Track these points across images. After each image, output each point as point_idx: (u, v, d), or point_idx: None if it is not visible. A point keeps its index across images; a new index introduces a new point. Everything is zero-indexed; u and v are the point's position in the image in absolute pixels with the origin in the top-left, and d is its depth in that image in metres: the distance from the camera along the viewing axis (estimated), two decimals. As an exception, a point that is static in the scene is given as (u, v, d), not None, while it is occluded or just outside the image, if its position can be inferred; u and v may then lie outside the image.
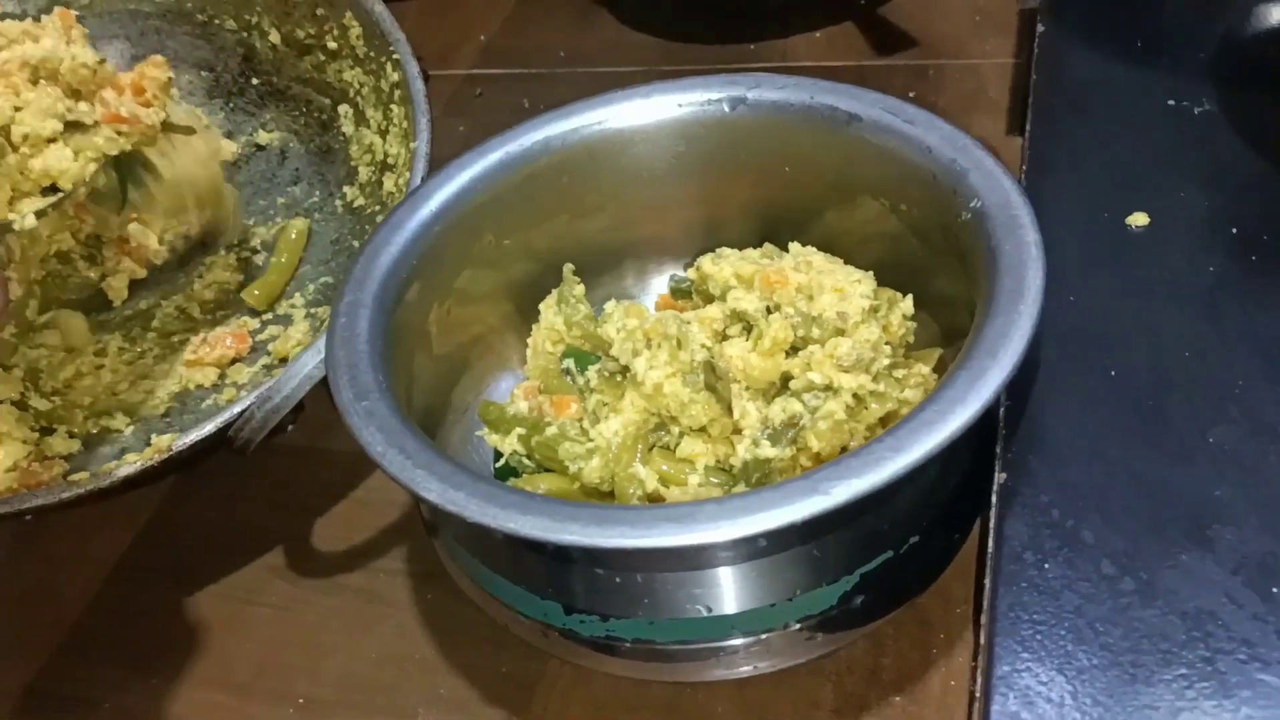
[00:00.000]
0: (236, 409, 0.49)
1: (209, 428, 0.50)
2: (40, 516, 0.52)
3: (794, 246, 0.50)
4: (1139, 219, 0.49)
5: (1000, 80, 0.72)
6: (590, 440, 0.47)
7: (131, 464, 0.50)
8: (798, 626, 0.43)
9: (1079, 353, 0.45)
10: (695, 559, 0.41)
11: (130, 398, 0.61)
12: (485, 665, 0.50)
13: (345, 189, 0.68)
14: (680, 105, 0.51)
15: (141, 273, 0.67)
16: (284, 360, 0.60)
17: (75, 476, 0.50)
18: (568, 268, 0.53)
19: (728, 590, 0.42)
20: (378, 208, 0.65)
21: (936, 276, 0.48)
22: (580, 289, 0.52)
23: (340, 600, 0.54)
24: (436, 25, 0.91)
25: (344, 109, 0.68)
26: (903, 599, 0.45)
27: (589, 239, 0.53)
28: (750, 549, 0.41)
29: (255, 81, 0.72)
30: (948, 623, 0.48)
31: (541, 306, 0.53)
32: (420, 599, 0.53)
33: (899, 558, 0.43)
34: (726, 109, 0.50)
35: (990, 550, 0.40)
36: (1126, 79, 0.56)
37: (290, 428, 0.49)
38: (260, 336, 0.63)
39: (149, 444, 0.51)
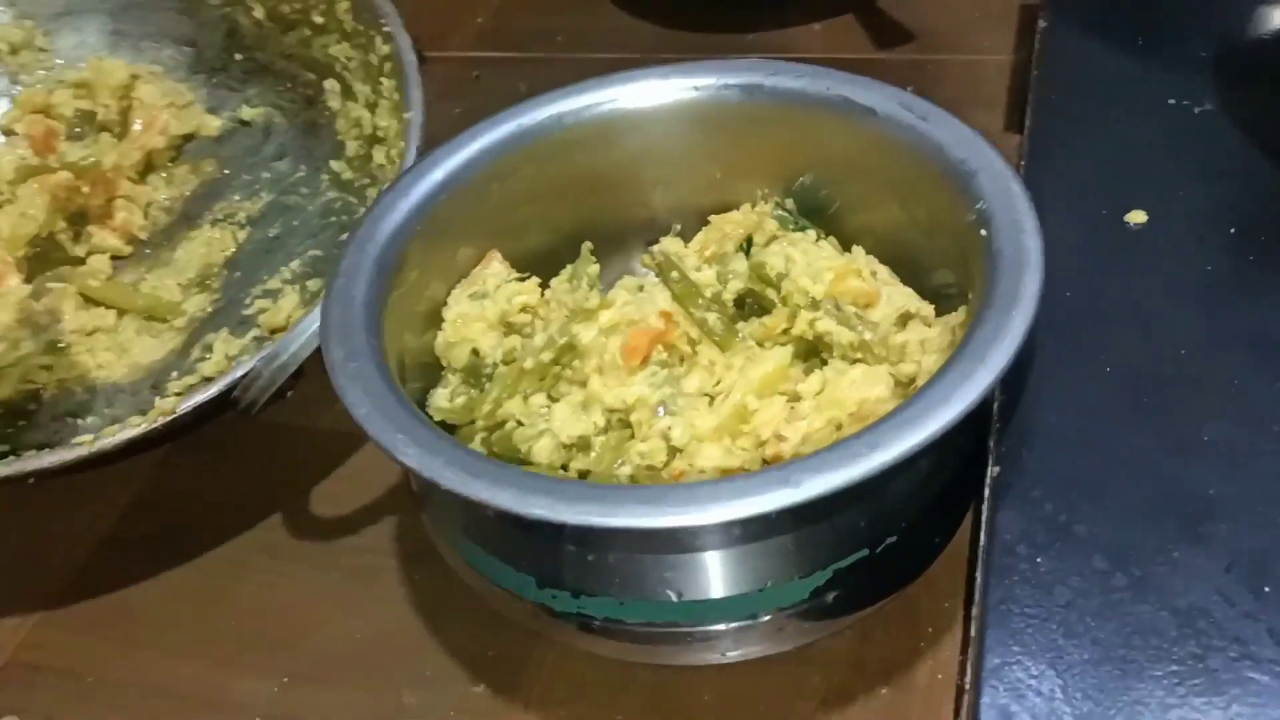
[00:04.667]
0: (240, 370, 0.49)
1: (214, 389, 0.49)
2: (32, 483, 0.51)
3: (858, 251, 0.49)
4: (1137, 216, 0.49)
5: (999, 76, 0.72)
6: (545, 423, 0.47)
7: (135, 426, 0.49)
8: (768, 618, 0.43)
9: (1075, 347, 0.44)
10: (666, 542, 0.41)
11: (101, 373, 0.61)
12: (471, 646, 0.50)
13: (332, 163, 0.67)
14: (696, 88, 0.50)
15: (126, 250, 0.67)
16: (274, 332, 0.60)
17: (78, 439, 0.50)
18: (586, 246, 0.52)
19: (699, 576, 0.42)
20: (367, 180, 0.65)
21: (937, 271, 0.48)
22: (595, 269, 0.52)
23: (327, 577, 0.54)
24: (433, 7, 0.90)
25: (330, 84, 0.67)
26: (878, 596, 0.45)
27: (597, 217, 0.53)
28: (722, 536, 0.41)
29: (239, 57, 0.72)
30: (936, 615, 0.48)
31: (554, 282, 0.52)
32: (408, 578, 0.53)
33: (874, 556, 0.43)
34: (742, 95, 0.50)
35: (982, 543, 0.40)
36: (1127, 76, 0.56)
37: (289, 393, 0.48)
38: (247, 311, 0.63)
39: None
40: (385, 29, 0.61)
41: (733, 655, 0.45)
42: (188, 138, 0.70)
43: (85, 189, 0.66)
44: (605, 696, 0.48)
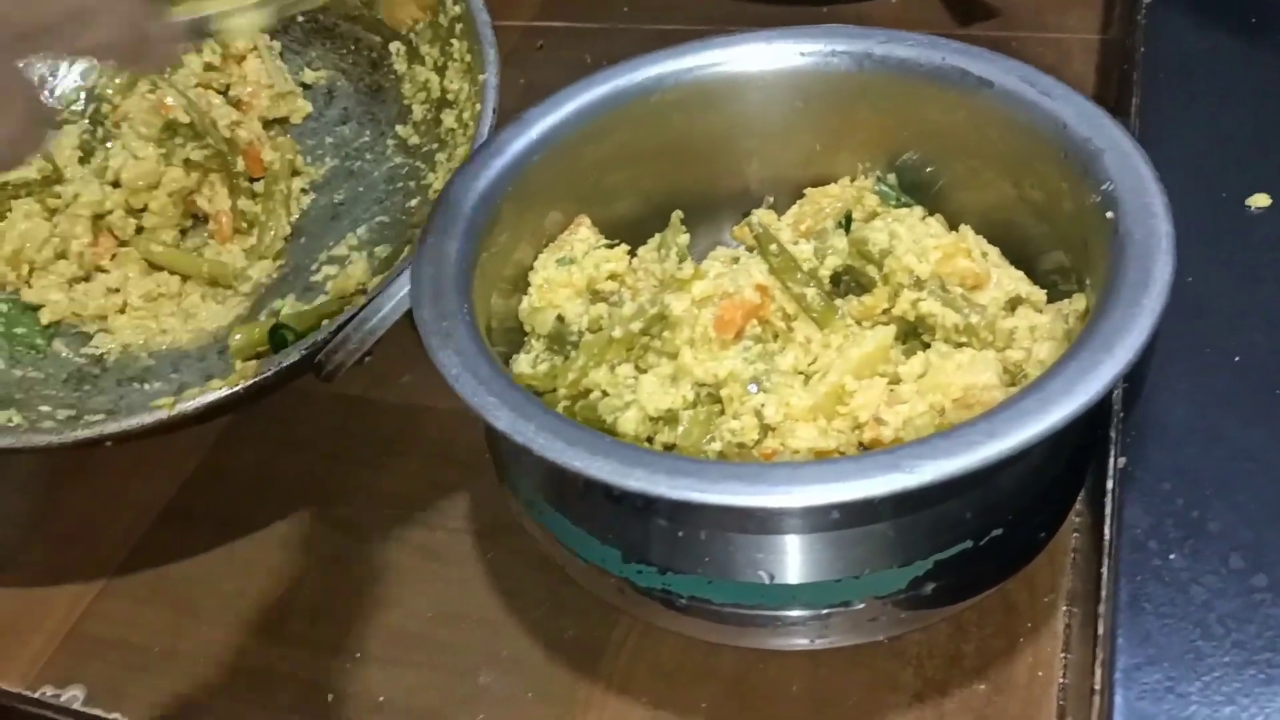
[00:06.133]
0: (321, 336, 0.48)
1: (294, 355, 0.48)
2: (97, 451, 0.50)
3: (965, 229, 0.47)
4: (1260, 200, 0.47)
5: (1085, 55, 0.70)
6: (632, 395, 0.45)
7: (216, 389, 0.48)
8: (862, 606, 0.41)
9: (1199, 336, 0.43)
10: (763, 522, 0.40)
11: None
12: (549, 627, 0.49)
13: (398, 128, 0.66)
14: (802, 54, 0.48)
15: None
16: (343, 298, 0.58)
17: (158, 402, 0.48)
18: (676, 215, 0.51)
19: (792, 559, 0.40)
20: (435, 145, 0.63)
21: (1047, 256, 0.46)
22: (685, 239, 0.50)
23: (396, 554, 0.52)
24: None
25: (395, 46, 0.66)
26: (978, 590, 0.43)
27: (688, 186, 0.51)
28: (821, 519, 0.39)
29: (300, 19, 0.70)
30: (1034, 611, 0.46)
31: (642, 251, 0.50)
32: (481, 556, 0.52)
33: (978, 549, 0.41)
34: (851, 63, 0.48)
35: (1108, 538, 0.38)
36: (1239, 55, 0.54)
37: (368, 359, 0.47)
38: (314, 277, 0.61)
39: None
40: (457, -10, 0.59)
41: (821, 643, 0.43)
42: (279, 121, 0.69)
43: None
44: (687, 682, 0.46)
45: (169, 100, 0.62)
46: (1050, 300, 0.45)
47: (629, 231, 0.51)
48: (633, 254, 0.51)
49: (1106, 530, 0.38)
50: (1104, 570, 0.37)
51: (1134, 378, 0.42)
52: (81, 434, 0.48)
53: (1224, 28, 0.55)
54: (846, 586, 0.41)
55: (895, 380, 0.44)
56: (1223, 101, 0.51)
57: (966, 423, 0.35)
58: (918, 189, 0.50)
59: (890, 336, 0.45)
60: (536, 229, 0.49)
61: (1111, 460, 0.40)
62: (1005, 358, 0.44)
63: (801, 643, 0.43)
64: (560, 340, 0.47)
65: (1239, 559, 0.36)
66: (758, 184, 0.52)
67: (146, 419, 0.47)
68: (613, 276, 0.49)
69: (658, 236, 0.51)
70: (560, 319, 0.48)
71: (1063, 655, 0.45)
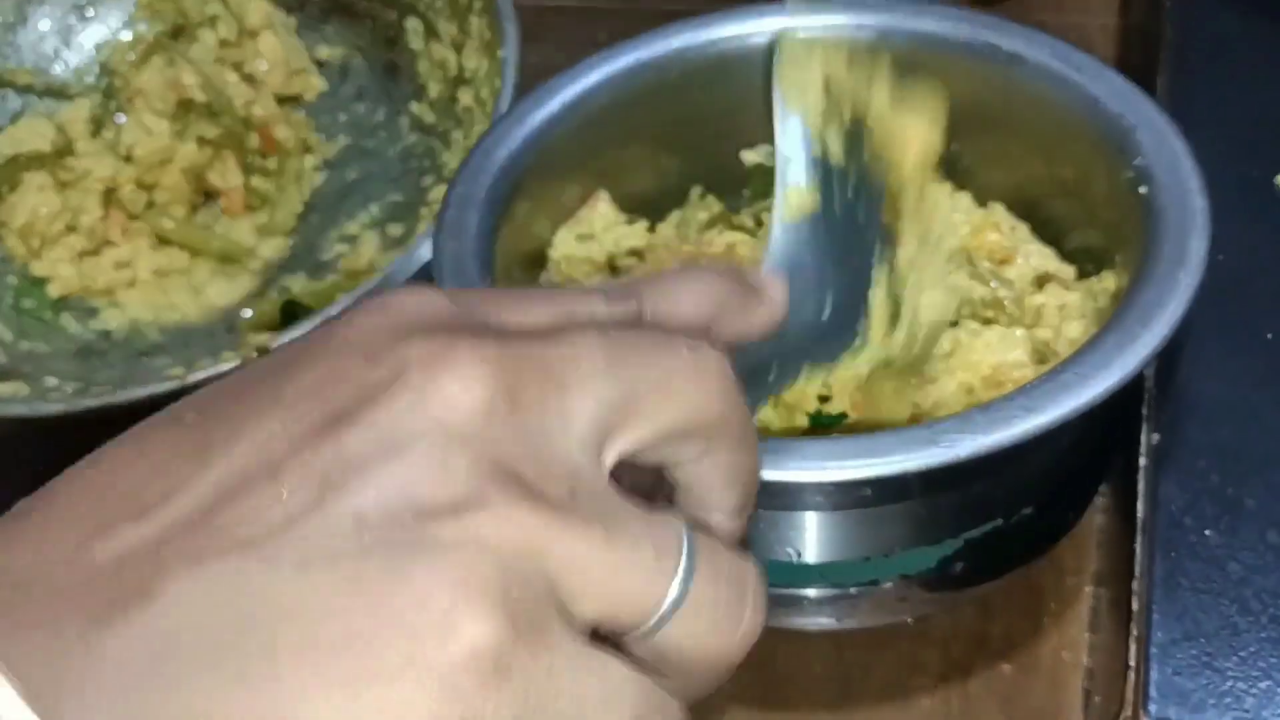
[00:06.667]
0: (334, 310, 0.47)
1: (307, 327, 0.47)
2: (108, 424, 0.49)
3: (995, 205, 0.47)
4: (1291, 179, 0.47)
5: (1105, 41, 0.69)
6: None
7: (228, 361, 0.47)
8: (890, 585, 0.41)
9: (1231, 314, 0.42)
10: (790, 498, 0.39)
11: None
12: (567, 608, 0.48)
13: (413, 105, 0.65)
14: (828, 27, 0.48)
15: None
16: (354, 276, 0.58)
17: (172, 371, 0.48)
18: (695, 191, 0.50)
19: (821, 537, 0.40)
20: (451, 124, 0.63)
21: (1076, 234, 0.45)
22: (704, 215, 0.49)
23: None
24: (506, -47, 0.88)
25: (412, 23, 0.65)
26: (1005, 570, 0.43)
27: (709, 160, 0.50)
28: (853, 496, 0.39)
29: None
30: (1060, 592, 0.46)
31: (661, 227, 0.50)
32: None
33: (1008, 526, 0.41)
34: (876, 37, 0.47)
35: (1141, 515, 0.37)
36: (1267, 34, 0.53)
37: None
38: (325, 255, 0.61)
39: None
40: (475, -37, 0.58)
41: (849, 623, 0.43)
42: (292, 98, 0.68)
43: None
44: (711, 663, 0.46)
45: (185, 79, 0.62)
46: (1079, 279, 0.45)
47: (647, 207, 0.50)
48: (651, 230, 0.50)
49: (1140, 507, 0.38)
50: (1137, 547, 0.37)
51: (1167, 355, 0.41)
52: (93, 403, 0.47)
53: (1248, 8, 0.55)
54: (876, 565, 0.40)
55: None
56: (1249, 82, 0.51)
57: (1004, 397, 0.35)
58: (944, 165, 0.49)
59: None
60: (555, 203, 0.48)
61: (1144, 437, 0.39)
62: (1034, 335, 0.43)
63: (827, 623, 0.43)
64: None
65: (1276, 535, 0.36)
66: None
67: (159, 389, 0.46)
68: (633, 252, 0.49)
69: (677, 213, 0.50)
70: None
71: (1088, 636, 0.44)
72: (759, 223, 0.49)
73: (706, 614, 0.23)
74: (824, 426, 0.42)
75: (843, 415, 0.42)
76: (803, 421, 0.43)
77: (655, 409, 0.23)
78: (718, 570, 0.23)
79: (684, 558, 0.23)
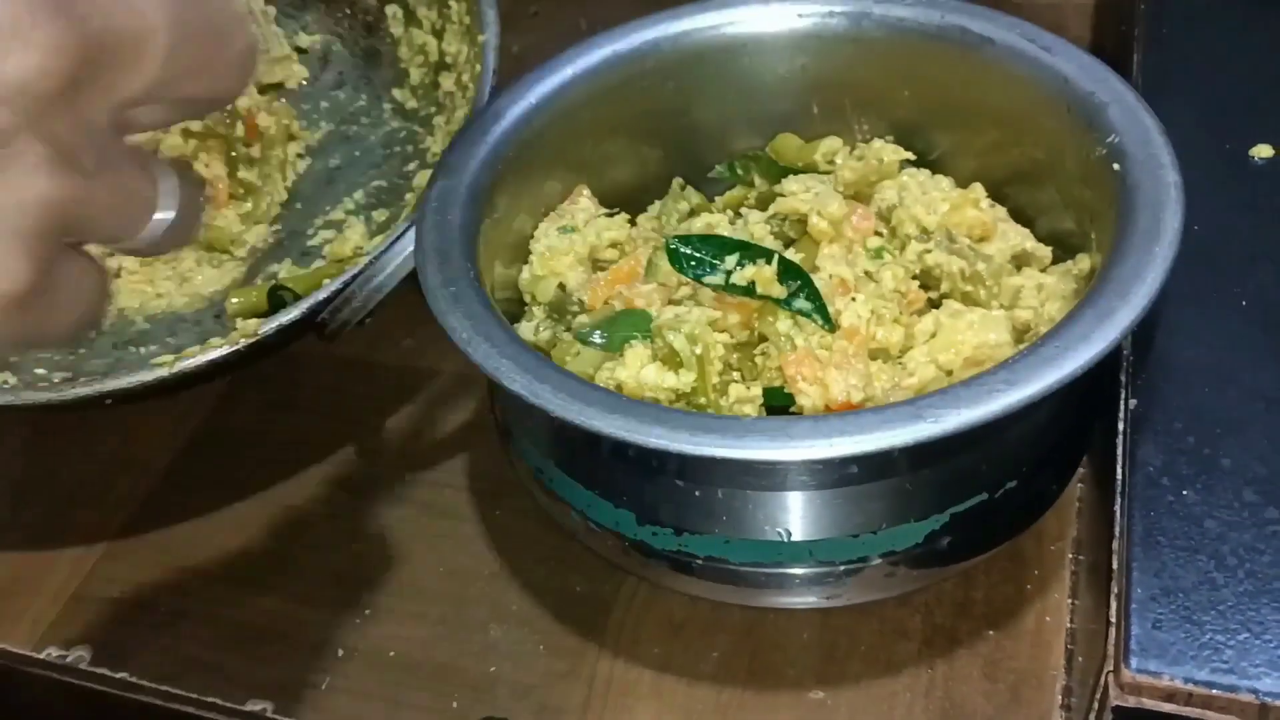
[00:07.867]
0: (324, 294, 0.47)
1: (296, 312, 0.47)
2: (96, 410, 0.49)
3: (976, 186, 0.48)
4: (1263, 151, 0.48)
5: (1081, 19, 0.70)
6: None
7: (217, 347, 0.47)
8: (879, 561, 0.41)
9: (1206, 282, 0.43)
10: (783, 477, 0.40)
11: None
12: (557, 583, 0.49)
13: (394, 92, 0.65)
14: (800, 15, 0.48)
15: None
16: (340, 262, 0.58)
17: (158, 359, 0.48)
18: (676, 182, 0.51)
19: (810, 515, 0.40)
20: (433, 109, 0.63)
21: (1048, 216, 0.46)
22: (685, 205, 0.50)
23: (404, 512, 0.52)
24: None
25: (392, 9, 0.65)
26: (990, 545, 0.44)
27: (691, 150, 0.51)
28: (840, 473, 0.39)
29: None
30: (1042, 558, 0.47)
31: (641, 219, 0.50)
32: (488, 515, 0.52)
33: (993, 500, 0.41)
34: (848, 24, 0.48)
35: (1121, 478, 0.38)
36: (1242, 7, 0.54)
37: (368, 320, 0.46)
38: (311, 241, 0.61)
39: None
40: (454, -51, 0.59)
41: (837, 601, 0.43)
42: (274, 86, 0.68)
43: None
44: (698, 634, 0.46)
45: None
46: (1054, 263, 0.46)
47: (627, 199, 0.51)
48: (632, 222, 0.51)
49: (1119, 470, 0.38)
50: (1117, 509, 0.37)
51: (1144, 324, 0.42)
52: (82, 391, 0.47)
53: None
54: (864, 542, 0.41)
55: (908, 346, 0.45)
56: (1224, 54, 0.52)
57: (986, 372, 0.36)
58: (919, 150, 0.50)
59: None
60: (536, 197, 0.49)
61: (1123, 403, 0.40)
62: (1014, 317, 0.44)
63: (816, 601, 0.44)
64: (561, 309, 0.47)
65: (1252, 493, 0.37)
66: (755, 148, 0.52)
67: (147, 376, 0.47)
68: (614, 245, 0.49)
69: (657, 204, 0.51)
70: (562, 287, 0.48)
71: (1070, 601, 0.45)
72: (738, 213, 0.50)
73: None
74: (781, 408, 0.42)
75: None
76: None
77: None
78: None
79: None
